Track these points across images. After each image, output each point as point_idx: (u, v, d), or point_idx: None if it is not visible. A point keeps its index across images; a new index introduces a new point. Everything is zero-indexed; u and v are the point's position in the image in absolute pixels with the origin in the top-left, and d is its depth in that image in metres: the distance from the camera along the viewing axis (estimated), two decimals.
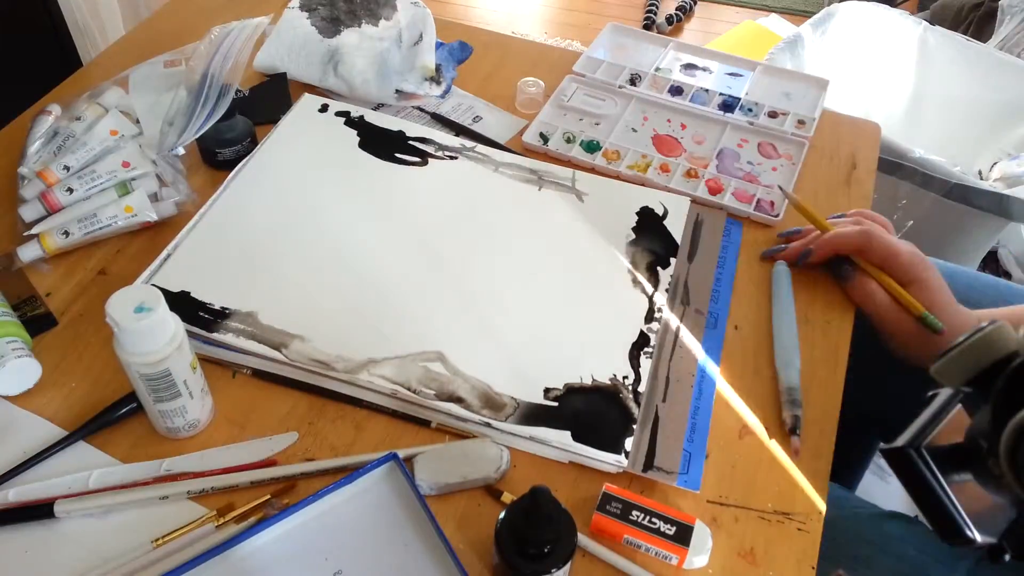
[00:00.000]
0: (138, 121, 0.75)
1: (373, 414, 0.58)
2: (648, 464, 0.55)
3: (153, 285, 0.62)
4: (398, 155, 0.74)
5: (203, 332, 0.59)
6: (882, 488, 1.09)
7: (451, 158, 0.75)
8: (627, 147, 0.78)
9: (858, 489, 0.95)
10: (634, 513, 0.51)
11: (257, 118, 0.77)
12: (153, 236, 0.69)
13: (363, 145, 0.75)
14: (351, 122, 0.77)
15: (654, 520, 0.51)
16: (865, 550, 0.65)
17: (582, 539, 0.51)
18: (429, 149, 0.75)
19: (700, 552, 0.50)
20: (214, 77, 0.73)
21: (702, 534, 0.51)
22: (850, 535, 0.66)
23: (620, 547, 0.52)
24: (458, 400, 0.57)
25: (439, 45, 0.83)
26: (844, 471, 0.75)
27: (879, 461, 1.04)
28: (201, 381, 0.55)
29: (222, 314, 0.61)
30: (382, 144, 0.75)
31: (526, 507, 0.46)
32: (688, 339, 0.63)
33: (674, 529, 0.51)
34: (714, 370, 0.61)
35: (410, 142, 0.76)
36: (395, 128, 0.77)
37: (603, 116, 0.82)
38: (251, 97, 0.80)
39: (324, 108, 0.78)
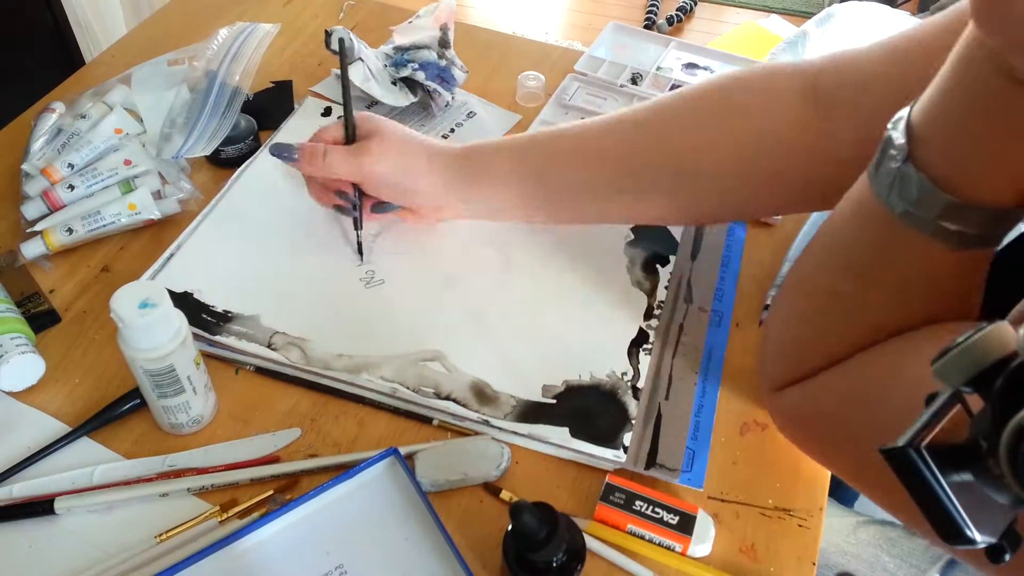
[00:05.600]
0: (142, 119, 0.75)
1: (375, 411, 0.58)
2: (651, 462, 0.55)
3: None
4: None
5: (207, 335, 0.60)
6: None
7: None
8: None
9: (857, 502, 0.93)
10: (637, 503, 0.52)
11: (261, 124, 0.77)
12: (156, 233, 0.69)
13: None
14: None
15: (657, 510, 0.52)
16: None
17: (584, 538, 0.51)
18: None
19: (703, 541, 0.51)
20: (223, 83, 0.73)
21: (705, 523, 0.51)
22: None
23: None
24: (457, 399, 0.57)
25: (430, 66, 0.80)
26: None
27: None
28: (204, 377, 0.55)
29: (225, 317, 0.61)
30: None
31: (521, 530, 0.44)
32: (691, 337, 0.63)
33: (677, 519, 0.51)
34: (717, 368, 0.61)
35: None
36: None
37: None
38: (255, 103, 0.80)
39: (327, 112, 0.78)
